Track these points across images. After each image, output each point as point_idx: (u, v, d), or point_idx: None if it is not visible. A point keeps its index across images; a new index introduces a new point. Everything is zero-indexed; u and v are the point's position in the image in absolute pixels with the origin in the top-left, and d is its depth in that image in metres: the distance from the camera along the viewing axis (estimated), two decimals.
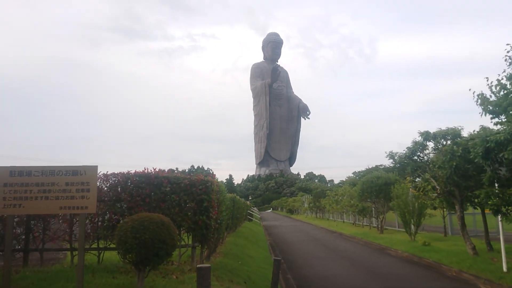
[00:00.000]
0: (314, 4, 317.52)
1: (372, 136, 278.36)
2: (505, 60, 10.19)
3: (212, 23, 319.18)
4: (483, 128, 11.32)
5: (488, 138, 9.02)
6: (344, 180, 57.16)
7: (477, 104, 11.13)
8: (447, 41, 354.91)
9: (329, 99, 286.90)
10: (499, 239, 15.90)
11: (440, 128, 13.07)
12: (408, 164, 14.34)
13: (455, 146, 11.79)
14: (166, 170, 9.14)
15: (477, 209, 14.19)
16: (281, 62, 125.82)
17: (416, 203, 16.80)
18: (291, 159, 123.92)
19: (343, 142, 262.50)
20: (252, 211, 41.95)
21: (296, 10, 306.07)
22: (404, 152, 14.43)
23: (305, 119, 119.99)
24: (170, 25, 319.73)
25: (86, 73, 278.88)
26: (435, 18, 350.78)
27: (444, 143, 12.83)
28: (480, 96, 10.95)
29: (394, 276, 10.42)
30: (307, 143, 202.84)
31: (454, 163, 11.62)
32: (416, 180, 16.12)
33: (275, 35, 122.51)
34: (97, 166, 5.80)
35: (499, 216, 10.22)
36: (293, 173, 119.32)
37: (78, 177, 5.74)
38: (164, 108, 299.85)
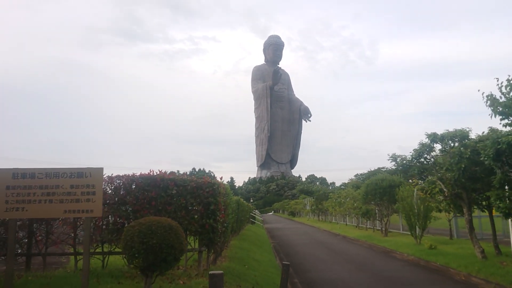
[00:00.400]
0: (315, 7, 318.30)
1: (373, 138, 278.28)
2: None
3: (213, 25, 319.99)
4: (492, 130, 11.15)
5: (499, 140, 8.85)
6: (346, 182, 56.96)
7: (486, 105, 10.94)
8: (447, 43, 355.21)
9: (330, 101, 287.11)
10: (505, 243, 15.81)
11: (447, 130, 12.90)
12: (412, 166, 14.19)
13: (463, 148, 11.61)
14: (168, 172, 8.98)
15: (485, 211, 14.01)
16: (282, 64, 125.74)
17: (421, 206, 16.60)
18: (293, 162, 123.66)
19: (344, 144, 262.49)
20: (255, 214, 41.74)
21: (297, 12, 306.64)
22: (410, 154, 14.26)
23: (306, 121, 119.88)
24: (171, 28, 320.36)
25: (87, 75, 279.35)
26: (436, 20, 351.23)
27: (452, 145, 12.65)
28: (489, 97, 10.76)
29: (402, 280, 10.23)
30: (309, 145, 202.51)
31: (463, 165, 11.44)
32: (419, 183, 15.95)
33: (276, 38, 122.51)
34: (102, 168, 5.63)
35: (510, 220, 10.03)
36: (294, 176, 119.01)
37: (83, 180, 5.57)
38: (165, 110, 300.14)
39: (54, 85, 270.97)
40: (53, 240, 7.82)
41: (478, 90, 10.97)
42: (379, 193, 22.03)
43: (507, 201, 9.58)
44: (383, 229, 22.63)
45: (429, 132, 13.25)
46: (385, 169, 45.51)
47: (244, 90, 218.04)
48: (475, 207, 13.82)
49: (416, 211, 16.84)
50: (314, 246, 19.21)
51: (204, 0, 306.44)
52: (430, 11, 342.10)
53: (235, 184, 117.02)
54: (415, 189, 17.04)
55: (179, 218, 7.77)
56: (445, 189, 12.83)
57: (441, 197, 13.60)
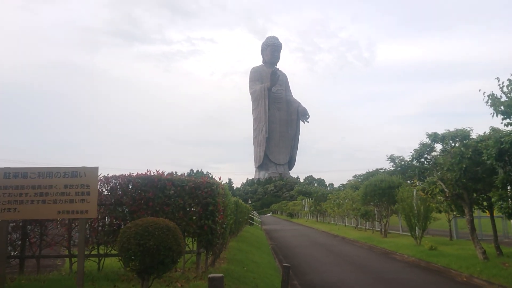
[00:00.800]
0: (313, 8, 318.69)
1: (371, 139, 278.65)
2: None
3: (211, 27, 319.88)
4: (494, 129, 11.01)
5: (502, 139, 8.71)
6: (344, 183, 56.91)
7: (487, 105, 10.81)
8: (445, 45, 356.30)
9: (328, 102, 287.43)
10: (505, 243, 15.69)
11: (448, 130, 12.76)
12: (411, 167, 14.05)
13: (464, 148, 11.47)
14: (166, 173, 8.80)
15: (486, 212, 13.88)
16: (280, 65, 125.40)
17: (422, 207, 16.47)
18: (290, 163, 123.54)
19: (342, 145, 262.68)
20: (253, 215, 41.55)
21: (295, 14, 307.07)
22: (411, 154, 14.11)
23: (304, 122, 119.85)
24: (169, 29, 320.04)
25: (84, 76, 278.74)
26: (433, 22, 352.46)
27: (453, 144, 12.51)
28: (490, 97, 10.64)
29: (403, 282, 10.08)
30: (306, 146, 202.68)
31: (464, 165, 11.31)
32: (418, 183, 15.81)
33: (274, 39, 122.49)
34: (97, 167, 5.45)
35: None
36: (292, 177, 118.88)
37: (78, 179, 5.39)
38: (163, 111, 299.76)
39: (50, 86, 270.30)
40: (47, 242, 7.62)
41: (479, 90, 10.84)
42: (378, 194, 21.91)
43: (510, 201, 9.44)
44: (383, 230, 22.50)
45: (430, 132, 13.11)
46: (383, 170, 45.52)
47: (242, 91, 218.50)
48: (475, 207, 13.69)
49: (416, 212, 16.72)
50: (313, 247, 19.04)
51: (201, 1, 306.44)
52: (427, 12, 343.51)
53: (233, 185, 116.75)
54: (415, 190, 16.92)
55: (177, 219, 7.59)
56: (446, 190, 12.69)
57: (442, 198, 13.46)
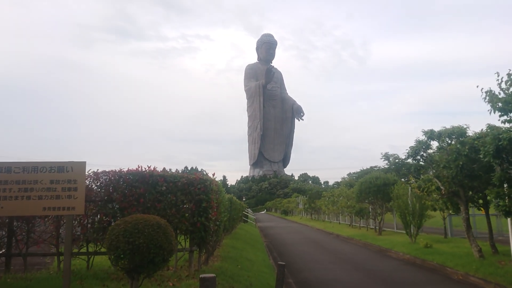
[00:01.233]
0: (308, 6, 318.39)
1: (365, 137, 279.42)
2: None
3: (206, 24, 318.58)
4: (491, 127, 10.90)
5: (500, 136, 8.59)
6: (338, 181, 56.92)
7: (485, 101, 10.69)
8: (439, 43, 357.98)
9: (323, 100, 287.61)
10: (500, 241, 15.65)
11: (445, 127, 12.65)
12: (406, 164, 13.95)
13: (460, 145, 11.36)
14: (160, 170, 8.57)
15: (481, 210, 13.82)
16: (275, 63, 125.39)
17: (417, 204, 16.39)
18: (285, 160, 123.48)
19: (337, 143, 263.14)
20: (247, 213, 41.40)
21: (290, 11, 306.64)
22: (406, 151, 13.98)
23: (299, 120, 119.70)
24: (163, 26, 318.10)
25: (78, 73, 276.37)
26: (428, 21, 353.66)
27: (449, 142, 12.40)
28: (488, 93, 10.52)
29: (398, 280, 9.97)
30: (301, 144, 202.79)
31: (460, 163, 11.20)
32: (413, 181, 15.70)
33: (269, 36, 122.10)
34: (85, 162, 5.22)
35: (509, 218, 9.80)
36: (287, 174, 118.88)
37: (64, 174, 5.16)
38: (157, 108, 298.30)
39: (44, 82, 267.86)
40: (34, 239, 7.38)
41: (477, 86, 10.71)
42: (373, 191, 21.81)
43: (507, 199, 9.34)
44: (377, 227, 22.43)
45: (426, 129, 12.98)
46: (377, 168, 45.52)
47: (236, 88, 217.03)
48: (470, 205, 13.61)
49: (411, 209, 16.64)
50: (308, 245, 18.92)
51: None
52: (421, 11, 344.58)
53: (227, 182, 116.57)
54: (411, 187, 16.82)
55: (169, 216, 7.39)
56: (442, 187, 12.59)
57: (438, 195, 13.36)
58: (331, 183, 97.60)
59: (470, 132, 12.32)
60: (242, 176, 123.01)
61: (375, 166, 48.21)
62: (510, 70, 9.80)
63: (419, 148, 13.44)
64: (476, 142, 10.93)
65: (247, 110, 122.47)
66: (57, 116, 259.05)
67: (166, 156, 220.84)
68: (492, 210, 13.86)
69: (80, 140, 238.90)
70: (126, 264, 4.76)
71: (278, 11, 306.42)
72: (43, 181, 5.10)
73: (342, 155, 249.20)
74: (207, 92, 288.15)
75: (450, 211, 15.19)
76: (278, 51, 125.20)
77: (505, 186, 9.81)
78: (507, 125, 10.26)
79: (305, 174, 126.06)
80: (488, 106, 10.55)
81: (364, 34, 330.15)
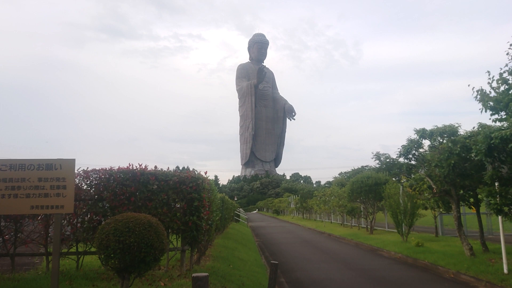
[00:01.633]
0: (300, 6, 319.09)
1: (356, 137, 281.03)
2: (507, 54, 9.82)
3: (198, 23, 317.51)
4: (482, 125, 10.97)
5: (492, 135, 8.62)
6: (330, 181, 57.11)
7: (476, 100, 10.75)
8: (430, 44, 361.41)
9: (314, 100, 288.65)
10: (490, 239, 15.79)
11: (436, 126, 12.71)
12: (397, 164, 14.00)
13: (451, 144, 11.42)
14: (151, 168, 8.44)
15: (472, 208, 13.92)
16: (267, 63, 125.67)
17: (408, 203, 16.45)
18: (277, 160, 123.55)
19: (329, 143, 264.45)
20: (239, 212, 41.30)
21: (282, 11, 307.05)
22: (398, 150, 14.03)
23: (290, 120, 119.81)
24: (155, 25, 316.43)
25: (69, 72, 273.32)
26: (419, 21, 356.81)
27: (441, 141, 12.46)
28: (479, 92, 10.57)
29: (390, 279, 9.97)
30: (293, 144, 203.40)
31: (452, 161, 11.25)
32: (405, 180, 15.77)
33: (261, 36, 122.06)
34: (74, 159, 5.09)
35: (500, 217, 9.86)
36: (278, 174, 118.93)
37: (53, 172, 5.02)
38: (149, 108, 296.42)
39: (35, 81, 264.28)
40: (22, 239, 7.21)
41: (468, 85, 10.77)
42: (365, 191, 21.89)
43: (499, 197, 9.39)
44: (369, 226, 22.50)
45: (418, 128, 13.04)
46: (368, 167, 45.76)
47: (228, 88, 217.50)
48: (462, 204, 13.70)
49: (402, 208, 16.70)
50: (300, 244, 18.89)
51: None
52: (413, 12, 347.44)
53: (219, 182, 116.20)
54: (402, 186, 16.88)
55: (160, 215, 7.27)
56: (433, 186, 12.65)
57: (429, 194, 13.42)
58: (322, 182, 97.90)
59: (461, 131, 12.40)
60: (233, 176, 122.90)
61: (367, 166, 48.53)
62: (501, 69, 9.86)
63: (411, 147, 13.51)
64: (467, 141, 10.98)
65: (239, 110, 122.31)
66: (48, 115, 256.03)
67: (157, 156, 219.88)
68: (482, 209, 13.97)
69: (71, 139, 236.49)
70: (117, 264, 4.66)
71: (271, 11, 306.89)
72: (31, 179, 4.96)
73: (333, 154, 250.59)
74: (199, 91, 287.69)
75: (441, 210, 15.27)
76: (270, 51, 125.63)
77: (496, 184, 9.87)
78: (498, 123, 10.33)
79: (297, 173, 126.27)
80: (480, 105, 10.61)
81: (356, 34, 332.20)
